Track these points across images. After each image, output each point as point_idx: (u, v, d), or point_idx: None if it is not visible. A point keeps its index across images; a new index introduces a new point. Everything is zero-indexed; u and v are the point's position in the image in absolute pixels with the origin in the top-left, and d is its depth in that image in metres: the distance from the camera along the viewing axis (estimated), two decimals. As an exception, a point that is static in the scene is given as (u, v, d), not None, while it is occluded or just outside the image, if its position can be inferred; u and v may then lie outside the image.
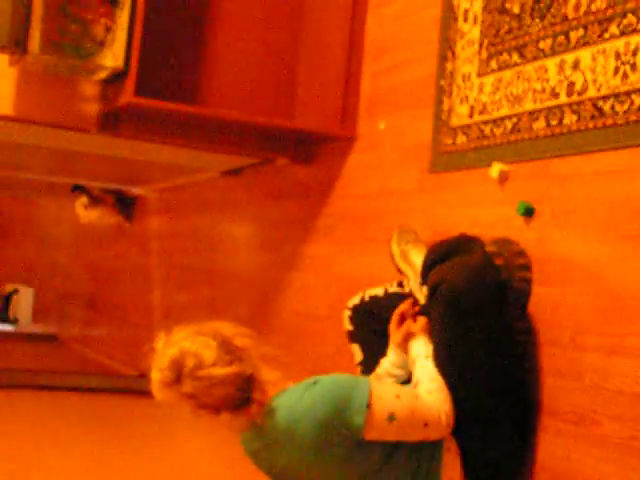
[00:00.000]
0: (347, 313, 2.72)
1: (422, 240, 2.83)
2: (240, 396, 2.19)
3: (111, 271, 6.54)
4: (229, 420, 2.21)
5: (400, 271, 2.85)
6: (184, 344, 2.19)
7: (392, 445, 2.21)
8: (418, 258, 2.74)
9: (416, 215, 3.00)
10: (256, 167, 4.18)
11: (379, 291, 2.69)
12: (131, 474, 3.27)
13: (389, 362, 2.55)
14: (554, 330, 2.36)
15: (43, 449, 3.52)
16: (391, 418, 2.17)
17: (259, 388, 2.22)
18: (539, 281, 2.43)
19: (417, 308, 2.53)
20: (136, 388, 5.06)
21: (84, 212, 6.08)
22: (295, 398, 2.21)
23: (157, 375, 2.18)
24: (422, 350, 2.42)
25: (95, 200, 6.00)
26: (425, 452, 2.24)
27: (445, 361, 2.33)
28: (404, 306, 2.56)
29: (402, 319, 2.54)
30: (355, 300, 2.72)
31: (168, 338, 2.23)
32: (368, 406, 2.16)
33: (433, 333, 2.40)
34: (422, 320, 2.48)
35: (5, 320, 8.34)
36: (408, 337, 2.49)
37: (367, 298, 2.70)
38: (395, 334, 2.53)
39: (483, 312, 2.30)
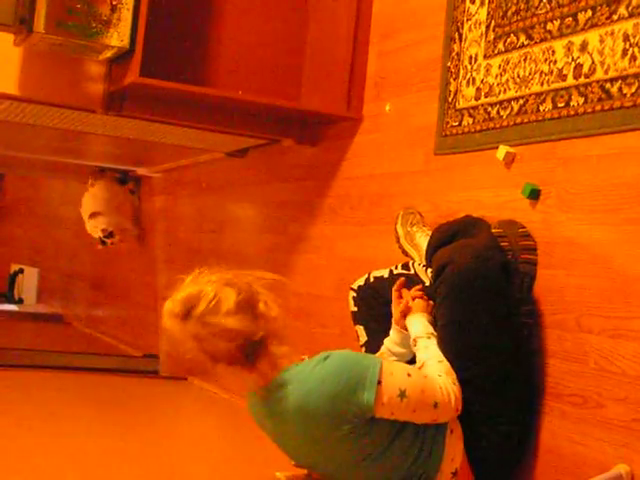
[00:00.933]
0: (352, 294, 2.73)
1: (427, 222, 2.83)
2: (242, 359, 2.18)
3: (116, 251, 6.55)
4: (226, 373, 2.21)
5: (405, 253, 2.85)
6: (206, 288, 2.17)
7: (399, 425, 2.21)
8: (423, 240, 2.74)
9: (421, 197, 2.99)
10: (261, 148, 4.17)
11: (384, 272, 2.69)
12: (135, 453, 3.29)
13: (389, 340, 2.56)
14: (559, 312, 2.36)
15: (48, 428, 3.53)
16: (402, 395, 2.16)
17: (266, 358, 2.21)
18: (544, 263, 2.43)
19: (418, 287, 2.53)
20: (140, 368, 5.10)
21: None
22: (306, 372, 2.21)
23: (169, 304, 2.18)
24: (422, 330, 2.41)
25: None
26: (429, 434, 2.25)
27: (450, 343, 2.33)
28: (401, 282, 2.56)
29: (400, 296, 2.54)
30: (360, 281, 2.72)
31: (198, 275, 2.22)
32: (379, 382, 2.15)
33: (438, 315, 2.41)
34: (421, 299, 2.49)
35: (10, 300, 8.36)
36: (405, 313, 2.49)
37: (372, 279, 2.70)
38: (394, 311, 2.53)
39: (488, 294, 2.30)
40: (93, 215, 5.90)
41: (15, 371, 4.59)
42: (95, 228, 5.91)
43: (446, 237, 2.52)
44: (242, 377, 2.23)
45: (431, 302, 2.47)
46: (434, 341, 2.37)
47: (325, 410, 2.15)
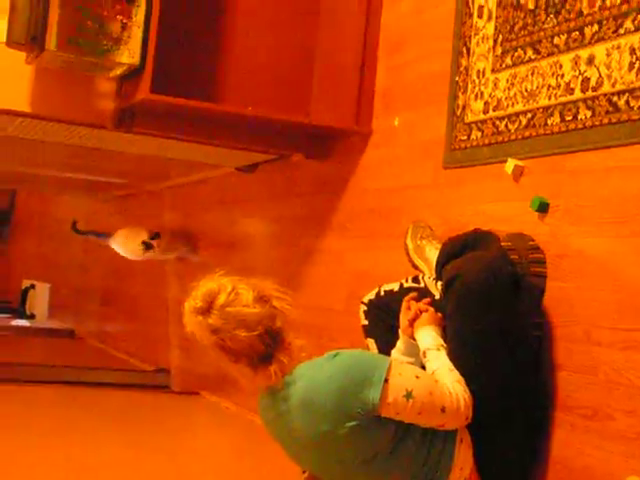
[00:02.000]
0: (363, 308, 2.74)
1: (437, 235, 2.84)
2: (262, 350, 2.22)
3: (127, 266, 6.57)
4: (245, 373, 2.25)
5: (415, 266, 2.86)
6: (224, 282, 2.24)
7: (405, 428, 2.22)
8: (433, 253, 2.75)
9: (431, 211, 3.00)
10: (271, 163, 4.19)
11: (394, 286, 2.70)
12: (147, 469, 3.29)
13: (395, 350, 2.56)
14: (568, 325, 2.36)
15: (61, 443, 3.55)
16: (408, 395, 2.17)
17: (284, 348, 2.25)
18: (554, 276, 2.44)
19: (427, 300, 2.54)
20: (152, 383, 5.11)
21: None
22: (316, 369, 2.23)
23: (190, 303, 2.23)
24: (432, 343, 2.41)
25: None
26: (437, 441, 2.25)
27: (460, 355, 2.34)
28: (412, 295, 2.57)
29: (409, 307, 2.55)
30: (371, 295, 2.73)
31: (211, 275, 2.28)
32: (386, 380, 2.17)
33: (448, 328, 2.41)
34: (430, 310, 2.49)
35: (22, 315, 8.40)
36: (413, 320, 2.49)
37: (382, 293, 2.71)
38: (402, 320, 2.54)
39: (498, 307, 2.31)
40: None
41: (27, 386, 4.61)
42: (136, 238, 5.32)
43: (456, 250, 2.53)
44: (260, 375, 2.25)
45: (439, 314, 2.48)
46: (444, 353, 2.38)
47: (331, 406, 2.17)
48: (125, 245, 5.45)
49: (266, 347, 2.22)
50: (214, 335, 2.20)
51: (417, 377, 2.23)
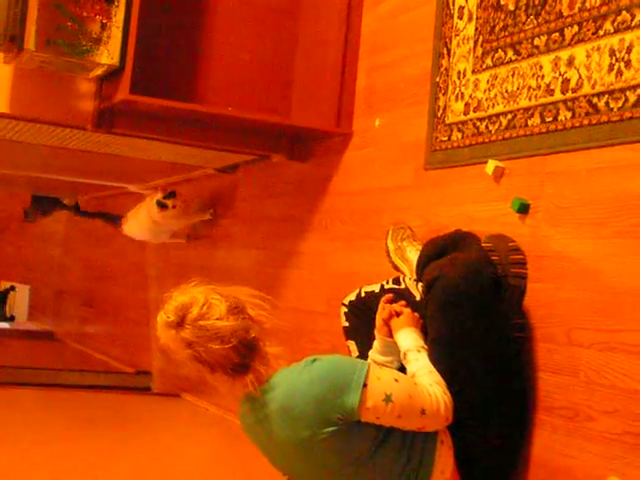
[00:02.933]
0: (343, 309, 2.73)
1: (418, 237, 2.84)
2: (238, 361, 2.21)
3: (107, 268, 6.54)
4: (222, 382, 2.24)
5: (396, 267, 2.86)
6: (196, 294, 2.23)
7: (385, 431, 2.21)
8: (414, 255, 2.74)
9: (412, 212, 3.00)
10: (252, 164, 4.18)
11: (375, 287, 2.69)
12: (127, 471, 3.28)
13: (372, 351, 2.56)
14: (549, 326, 2.37)
15: (41, 447, 3.52)
16: (387, 399, 2.17)
17: (260, 358, 2.24)
18: (534, 277, 2.44)
19: (403, 302, 2.53)
20: (133, 385, 5.09)
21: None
22: (294, 375, 2.23)
23: (162, 316, 2.23)
24: (412, 344, 2.41)
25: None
26: (417, 443, 2.25)
27: (441, 357, 2.34)
28: (388, 297, 2.56)
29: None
30: (351, 297, 2.73)
31: (184, 287, 2.27)
32: (364, 385, 2.16)
33: (429, 329, 2.41)
34: (407, 311, 2.49)
35: (1, 318, 8.34)
36: (388, 320, 2.49)
37: (363, 294, 2.70)
38: (377, 320, 2.53)
39: (478, 308, 2.31)
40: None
41: (6, 389, 4.57)
42: (150, 203, 4.82)
43: (436, 252, 2.53)
44: (238, 384, 2.25)
45: (417, 315, 2.47)
46: (424, 354, 2.37)
47: (311, 412, 2.17)
48: (139, 217, 5.05)
49: (241, 357, 2.21)
50: (188, 348, 2.19)
51: (396, 380, 2.22)
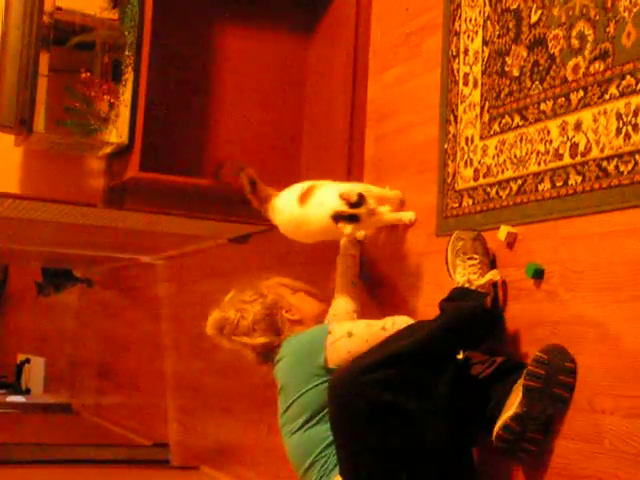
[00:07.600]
0: None
1: (474, 247, 2.69)
2: (267, 354, 2.81)
3: (122, 339, 6.53)
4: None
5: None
6: (229, 312, 2.85)
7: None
8: (459, 278, 2.64)
9: (425, 279, 2.99)
10: (264, 233, 4.18)
11: None
12: None
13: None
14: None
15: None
16: (349, 334, 2.60)
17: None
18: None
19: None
20: (151, 458, 5.04)
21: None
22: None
23: (210, 322, 2.89)
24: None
25: None
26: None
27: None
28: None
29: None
30: None
31: (226, 299, 2.93)
32: (329, 332, 2.63)
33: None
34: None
35: (17, 391, 8.32)
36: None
37: None
38: None
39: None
40: None
41: (23, 468, 4.53)
42: None
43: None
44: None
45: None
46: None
47: (293, 374, 2.66)
48: None
49: (268, 352, 2.81)
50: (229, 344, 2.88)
51: (354, 322, 2.76)
